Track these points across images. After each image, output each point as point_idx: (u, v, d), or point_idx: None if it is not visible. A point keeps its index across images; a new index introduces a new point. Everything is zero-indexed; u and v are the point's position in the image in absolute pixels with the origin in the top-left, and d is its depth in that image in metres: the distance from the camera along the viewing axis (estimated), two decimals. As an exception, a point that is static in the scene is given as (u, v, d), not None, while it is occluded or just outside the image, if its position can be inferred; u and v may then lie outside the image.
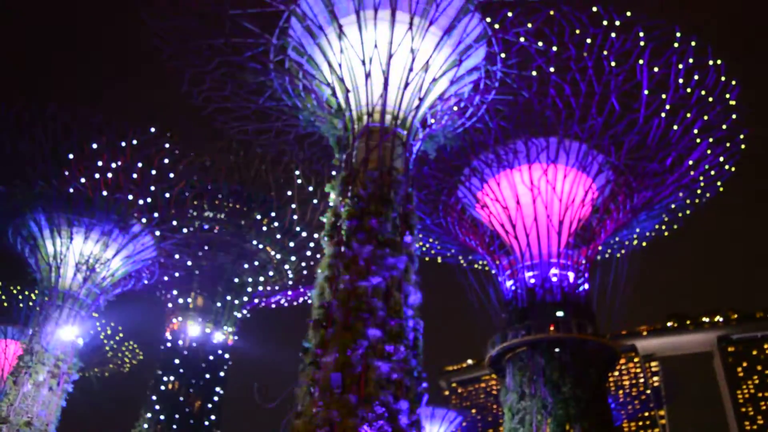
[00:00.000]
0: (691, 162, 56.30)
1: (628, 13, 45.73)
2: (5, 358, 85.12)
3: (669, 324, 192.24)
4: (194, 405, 72.64)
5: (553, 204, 57.01)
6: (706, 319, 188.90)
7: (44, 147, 58.05)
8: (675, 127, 53.20)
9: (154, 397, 71.59)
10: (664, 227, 66.09)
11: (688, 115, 52.67)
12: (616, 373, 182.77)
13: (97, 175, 60.19)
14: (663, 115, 52.09)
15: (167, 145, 61.24)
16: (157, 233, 64.18)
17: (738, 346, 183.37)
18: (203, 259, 72.72)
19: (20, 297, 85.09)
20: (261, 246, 73.63)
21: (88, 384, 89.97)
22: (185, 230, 67.38)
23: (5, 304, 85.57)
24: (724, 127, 54.23)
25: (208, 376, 74.13)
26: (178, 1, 39.77)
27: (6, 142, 58.30)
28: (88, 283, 60.48)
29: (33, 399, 55.00)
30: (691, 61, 49.61)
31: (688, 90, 51.12)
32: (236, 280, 75.54)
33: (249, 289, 77.25)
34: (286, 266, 76.31)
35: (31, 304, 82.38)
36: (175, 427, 70.09)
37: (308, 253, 74.68)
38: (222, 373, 75.88)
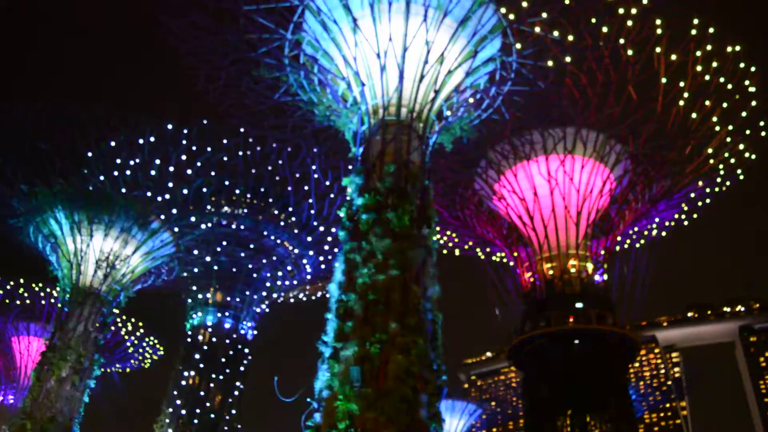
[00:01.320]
0: (710, 150, 55.71)
1: (645, 1, 45.25)
2: (28, 355, 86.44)
3: (689, 314, 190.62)
4: (215, 400, 73.17)
5: (571, 195, 56.67)
6: (727, 309, 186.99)
7: (63, 147, 58.59)
8: (694, 115, 52.62)
9: (174, 392, 72.18)
10: (683, 216, 65.48)
11: (707, 102, 52.08)
12: (637, 365, 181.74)
13: (115, 173, 60.69)
14: (681, 103, 51.54)
15: (184, 142, 61.59)
16: (176, 229, 64.65)
17: (760, 335, 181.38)
18: (222, 255, 73.14)
19: (42, 294, 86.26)
20: (279, 241, 73.89)
21: (110, 380, 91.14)
22: (203, 226, 67.79)
23: (27, 302, 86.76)
24: (743, 114, 53.57)
25: (228, 370, 74.61)
26: (193, -1, 39.91)
27: (25, 143, 58.95)
28: (108, 280, 61.05)
29: (56, 395, 55.66)
30: (709, 48, 49.03)
31: (707, 77, 50.54)
32: (255, 275, 75.91)
33: (268, 284, 77.64)
34: (304, 261, 76.56)
35: (52, 301, 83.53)
36: (196, 422, 70.65)
37: (326, 247, 74.86)
38: (242, 368, 76.35)
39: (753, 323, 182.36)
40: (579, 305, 54.63)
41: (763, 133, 55.45)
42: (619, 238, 61.69)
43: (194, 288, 77.21)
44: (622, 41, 46.23)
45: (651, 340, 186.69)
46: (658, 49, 48.02)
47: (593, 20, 43.59)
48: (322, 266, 77.77)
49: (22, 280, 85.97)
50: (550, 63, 42.96)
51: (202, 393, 72.53)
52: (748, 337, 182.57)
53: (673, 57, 48.68)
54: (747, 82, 51.44)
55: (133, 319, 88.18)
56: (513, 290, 60.67)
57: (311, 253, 75.35)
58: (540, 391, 53.75)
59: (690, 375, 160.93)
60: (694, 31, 47.95)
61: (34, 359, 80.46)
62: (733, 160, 57.66)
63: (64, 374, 56.76)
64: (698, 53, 49.02)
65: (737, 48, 49.62)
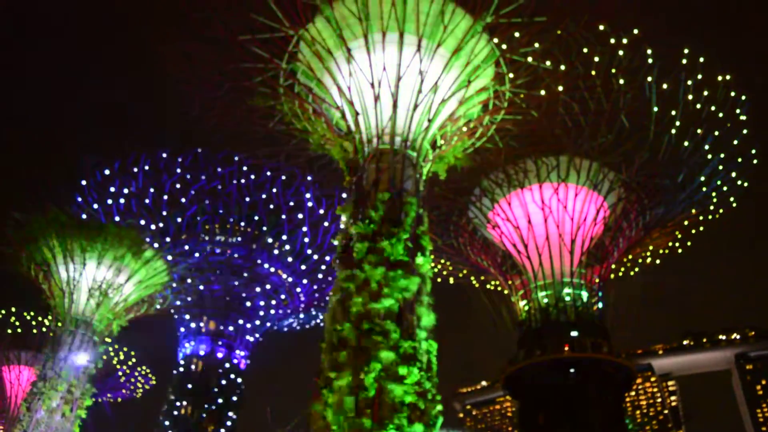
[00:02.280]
0: (703, 178, 56.04)
1: (636, 31, 45.82)
2: (19, 384, 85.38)
3: (685, 342, 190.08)
4: (207, 430, 72.35)
5: (565, 223, 56.76)
6: (722, 337, 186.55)
7: (57, 175, 58.76)
8: (686, 143, 53.06)
9: (167, 422, 71.44)
10: (677, 244, 65.62)
11: (699, 130, 52.55)
12: (633, 393, 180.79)
13: (109, 201, 60.67)
14: (673, 131, 51.98)
15: (179, 170, 61.75)
16: (169, 258, 64.43)
17: (756, 363, 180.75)
18: (215, 283, 72.89)
19: (33, 323, 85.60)
20: (273, 269, 73.73)
21: (101, 410, 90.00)
22: (197, 254, 67.67)
23: (19, 330, 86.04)
24: (735, 142, 54.02)
25: (220, 400, 73.92)
26: (188, 28, 40.18)
27: (19, 170, 59.07)
28: (101, 309, 60.64)
29: (46, 425, 54.96)
30: (699, 77, 49.60)
31: (698, 106, 51.04)
32: (248, 303, 75.58)
33: (261, 313, 77.25)
34: (298, 289, 76.31)
35: (44, 330, 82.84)
36: (188, 452, 69.81)
37: (320, 275, 74.71)
38: (235, 398, 75.65)
39: (749, 351, 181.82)
40: (574, 333, 54.42)
41: (755, 161, 55.87)
42: (613, 266, 61.69)
43: (187, 317, 76.78)
44: (613, 70, 46.71)
45: (647, 368, 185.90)
46: (649, 78, 48.55)
47: (585, 50, 44.06)
48: (316, 295, 77.54)
49: (13, 309, 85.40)
50: (542, 92, 43.29)
51: (194, 423, 71.74)
52: (744, 365, 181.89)
53: (665, 86, 49.20)
54: (738, 111, 51.96)
55: (125, 348, 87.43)
56: (508, 318, 60.45)
57: (305, 281, 75.16)
58: (536, 421, 53.26)
59: (686, 403, 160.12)
60: (684, 61, 48.52)
61: (25, 389, 79.52)
62: (725, 188, 57.98)
63: (55, 404, 56.10)
64: (689, 82, 49.57)
65: (727, 77, 50.20)
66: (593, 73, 46.12)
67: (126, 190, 61.04)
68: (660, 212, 58.48)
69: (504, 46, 39.79)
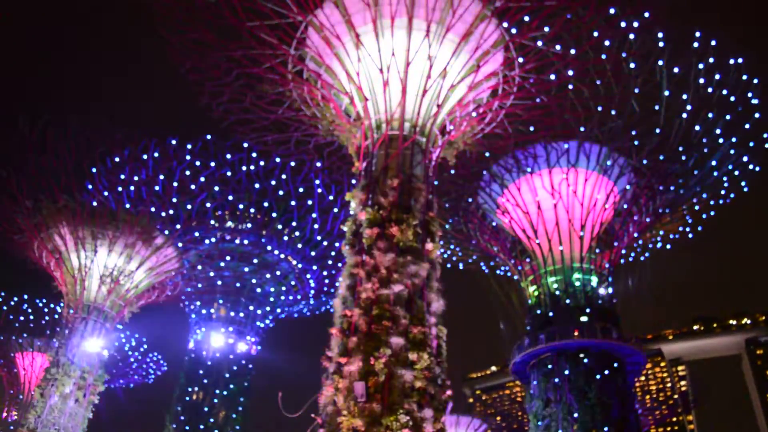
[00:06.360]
0: (714, 162, 55.69)
1: (647, 14, 45.37)
2: (32, 371, 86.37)
3: (695, 327, 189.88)
4: (219, 415, 72.92)
5: (575, 208, 56.62)
6: (733, 322, 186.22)
7: (67, 162, 58.87)
8: (697, 128, 52.70)
9: (178, 408, 72.04)
10: (688, 229, 65.35)
11: (710, 115, 52.14)
12: (643, 378, 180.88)
13: (120, 188, 60.91)
14: (684, 115, 51.62)
15: (188, 158, 61.84)
16: (180, 245, 64.72)
17: (767, 348, 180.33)
18: (225, 270, 73.17)
19: (46, 310, 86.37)
20: (283, 256, 73.93)
21: (114, 395, 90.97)
22: (207, 241, 67.93)
23: (32, 317, 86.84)
24: (747, 126, 53.60)
25: (232, 386, 74.42)
26: (196, 15, 40.10)
27: (30, 158, 59.27)
28: (112, 296, 61.10)
29: (60, 411, 55.61)
30: (711, 60, 49.14)
31: (709, 90, 50.62)
32: (258, 290, 75.88)
33: (271, 299, 77.57)
34: (308, 275, 76.53)
35: (56, 317, 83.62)
36: (200, 437, 70.39)
37: (330, 262, 74.86)
38: (246, 384, 76.16)
39: (759, 336, 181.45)
40: (584, 319, 54.45)
41: (766, 145, 55.43)
42: (623, 251, 61.54)
43: (198, 303, 77.21)
44: (624, 54, 46.31)
45: (657, 353, 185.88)
46: (660, 62, 48.14)
47: (595, 34, 43.68)
48: (326, 281, 77.76)
49: (26, 296, 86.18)
50: (552, 77, 43.02)
51: (206, 409, 72.32)
52: (754, 350, 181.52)
53: (676, 70, 48.80)
54: (750, 95, 51.51)
55: (136, 335, 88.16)
56: (517, 304, 60.54)
57: (315, 267, 75.35)
58: (545, 406, 53.40)
59: (696, 388, 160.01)
60: (696, 44, 48.08)
61: (38, 375, 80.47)
62: (737, 173, 57.62)
63: (68, 390, 56.73)
64: (700, 66, 49.14)
65: (739, 60, 49.73)
66: (603, 57, 45.75)
67: (136, 178, 61.17)
68: (670, 197, 58.23)
69: (513, 31, 39.52)
